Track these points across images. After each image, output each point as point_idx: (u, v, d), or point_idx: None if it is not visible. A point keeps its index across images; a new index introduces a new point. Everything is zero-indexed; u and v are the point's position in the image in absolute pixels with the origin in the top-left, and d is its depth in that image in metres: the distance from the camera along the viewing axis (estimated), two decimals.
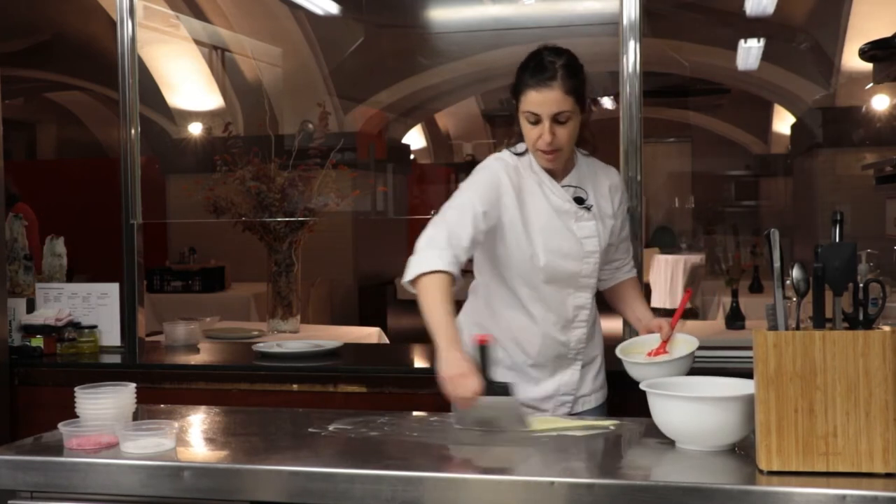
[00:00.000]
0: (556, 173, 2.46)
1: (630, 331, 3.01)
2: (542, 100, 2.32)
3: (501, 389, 2.17)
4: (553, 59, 2.34)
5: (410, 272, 2.24)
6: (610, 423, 2.20)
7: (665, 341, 2.48)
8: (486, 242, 2.41)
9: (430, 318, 2.19)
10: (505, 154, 2.48)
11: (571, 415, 2.50)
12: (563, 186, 2.45)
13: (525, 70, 2.37)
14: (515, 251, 2.41)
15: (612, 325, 2.78)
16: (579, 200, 2.45)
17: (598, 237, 2.46)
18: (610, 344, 2.67)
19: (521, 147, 2.46)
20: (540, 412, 2.46)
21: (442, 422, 2.28)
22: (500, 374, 2.46)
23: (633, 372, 2.43)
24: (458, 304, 2.45)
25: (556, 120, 2.33)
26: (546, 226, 2.41)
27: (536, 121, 2.35)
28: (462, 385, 2.10)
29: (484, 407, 2.13)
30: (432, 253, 2.24)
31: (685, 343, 2.48)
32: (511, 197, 2.39)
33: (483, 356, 2.18)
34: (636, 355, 2.48)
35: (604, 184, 2.52)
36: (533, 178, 2.44)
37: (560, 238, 2.42)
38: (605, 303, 2.69)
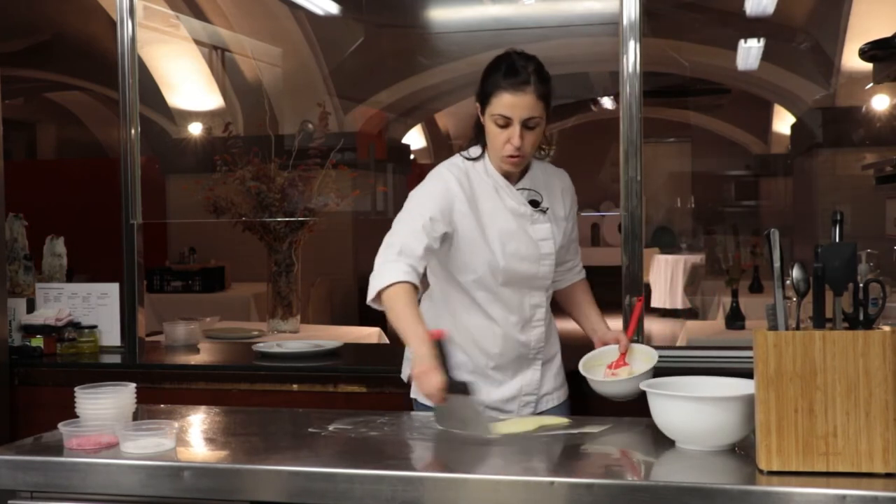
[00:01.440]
0: (511, 177, 2.46)
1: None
2: (515, 103, 2.32)
3: (461, 387, 2.18)
4: (525, 64, 2.34)
5: (371, 290, 2.29)
6: (567, 422, 2.24)
7: (624, 353, 2.49)
8: (441, 250, 2.40)
9: (398, 325, 2.24)
10: (457, 160, 2.48)
11: (535, 414, 2.50)
12: (518, 189, 2.46)
13: (496, 72, 2.35)
14: (473, 257, 2.41)
15: (570, 325, 2.77)
16: (534, 203, 2.47)
17: (552, 239, 2.47)
18: (567, 343, 2.70)
19: (474, 152, 2.46)
20: (504, 413, 2.46)
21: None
22: (462, 378, 2.45)
23: (596, 388, 2.46)
24: None
25: (526, 125, 2.33)
26: (503, 229, 2.42)
27: (506, 124, 2.34)
28: (426, 381, 2.13)
29: (449, 408, 2.17)
30: (389, 268, 2.28)
31: (645, 355, 2.49)
32: (464, 203, 2.39)
33: (440, 351, 2.19)
34: (597, 369, 2.49)
35: (556, 186, 2.54)
36: (488, 182, 2.44)
37: (517, 241, 2.43)
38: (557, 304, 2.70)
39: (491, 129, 2.37)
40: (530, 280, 2.46)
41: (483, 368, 2.49)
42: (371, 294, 2.29)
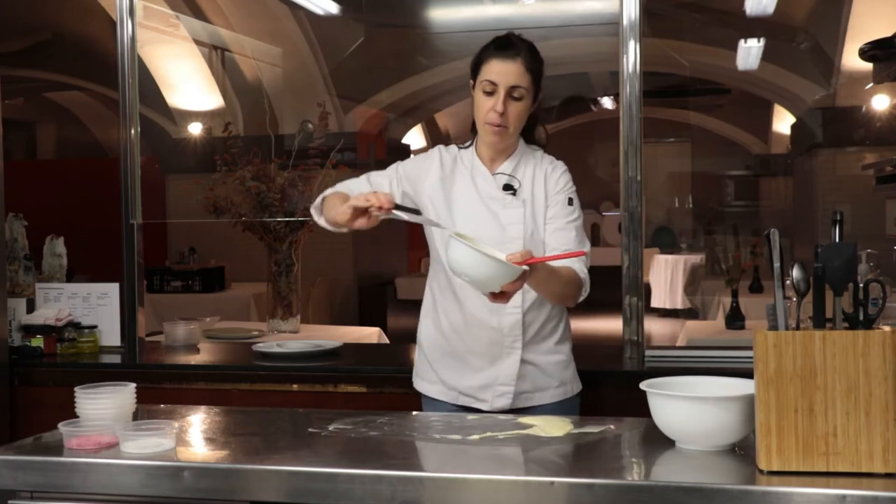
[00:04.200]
0: (494, 161, 2.53)
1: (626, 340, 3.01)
2: (503, 69, 2.40)
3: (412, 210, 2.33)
4: (518, 42, 2.45)
5: (314, 212, 2.56)
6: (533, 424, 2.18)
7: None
8: (428, 232, 2.56)
9: (335, 212, 2.39)
10: (452, 147, 2.62)
11: (514, 410, 2.48)
12: (496, 174, 2.53)
13: (489, 45, 2.47)
14: (437, 233, 2.52)
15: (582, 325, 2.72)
16: (507, 187, 2.51)
17: (523, 223, 2.49)
18: (579, 342, 2.66)
19: (468, 142, 2.59)
20: (479, 402, 2.50)
21: (442, 422, 2.28)
22: (442, 363, 2.57)
23: (452, 250, 2.14)
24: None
25: (511, 95, 2.41)
26: (470, 211, 2.50)
27: (492, 91, 2.42)
28: (375, 197, 2.25)
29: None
30: (328, 191, 2.54)
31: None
32: (437, 178, 2.53)
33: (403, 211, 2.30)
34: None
35: (541, 172, 2.56)
36: (466, 166, 2.55)
37: (481, 222, 2.48)
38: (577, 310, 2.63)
39: (478, 100, 2.47)
40: None
41: (461, 352, 2.53)
42: (315, 214, 2.56)
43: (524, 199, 2.51)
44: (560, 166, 2.60)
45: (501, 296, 2.19)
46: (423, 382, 2.63)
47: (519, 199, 2.51)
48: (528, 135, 2.59)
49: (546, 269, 2.29)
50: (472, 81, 2.51)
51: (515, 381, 2.51)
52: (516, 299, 2.47)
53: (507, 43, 2.45)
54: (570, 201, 2.55)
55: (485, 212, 2.50)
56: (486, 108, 2.44)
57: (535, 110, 2.52)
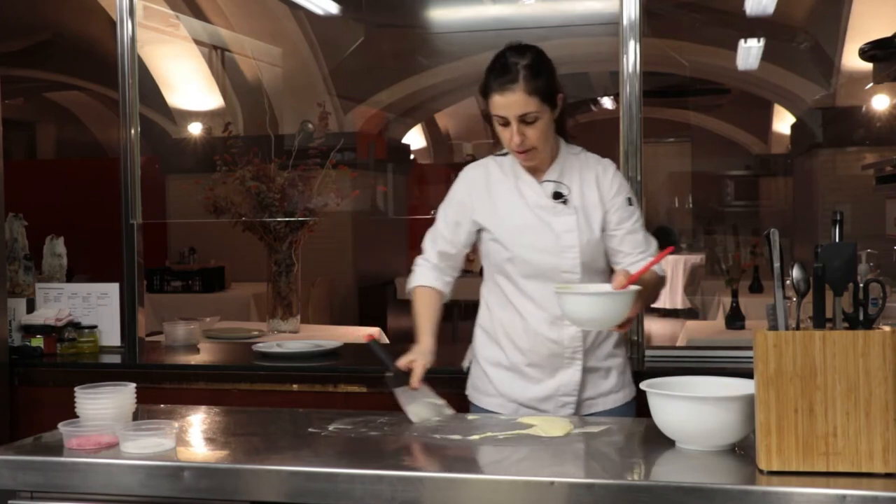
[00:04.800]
0: (538, 169, 2.48)
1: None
2: (505, 103, 2.33)
3: (403, 378, 2.39)
4: (516, 60, 2.33)
5: (407, 288, 2.62)
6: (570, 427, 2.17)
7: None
8: (477, 242, 2.57)
9: (416, 305, 2.57)
10: (484, 160, 2.57)
11: (575, 415, 2.46)
12: (543, 182, 2.47)
13: (490, 72, 2.38)
14: (492, 248, 2.49)
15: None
16: (558, 195, 2.46)
17: (577, 231, 2.44)
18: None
19: (504, 150, 2.50)
20: (541, 413, 2.44)
21: (441, 422, 2.28)
22: (500, 377, 2.52)
23: (564, 304, 2.19)
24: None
25: (523, 121, 2.34)
26: (519, 221, 2.45)
27: (505, 123, 2.36)
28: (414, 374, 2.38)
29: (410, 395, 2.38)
30: (416, 271, 2.60)
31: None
32: (483, 198, 2.50)
33: (377, 351, 2.44)
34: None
35: (590, 176, 2.49)
36: (510, 177, 2.50)
37: (533, 233, 2.44)
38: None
39: (497, 130, 2.42)
40: (554, 273, 2.43)
41: (517, 365, 2.49)
42: (407, 292, 2.62)
43: (575, 206, 2.45)
44: (609, 166, 2.54)
45: (626, 323, 2.23)
46: (481, 395, 2.57)
47: (570, 207, 2.45)
48: (563, 129, 2.51)
49: (644, 286, 2.27)
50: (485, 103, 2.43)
51: (578, 390, 2.48)
52: None
53: (503, 67, 2.34)
54: (630, 201, 2.51)
55: (536, 222, 2.44)
56: (507, 138, 2.38)
57: (562, 106, 2.42)
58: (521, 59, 2.34)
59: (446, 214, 2.57)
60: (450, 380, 2.66)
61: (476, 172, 2.55)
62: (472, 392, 2.61)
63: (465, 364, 2.69)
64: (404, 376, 2.36)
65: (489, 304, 2.56)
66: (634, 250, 2.50)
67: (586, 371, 2.48)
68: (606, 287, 2.22)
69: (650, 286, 2.39)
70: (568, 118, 2.52)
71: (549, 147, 2.45)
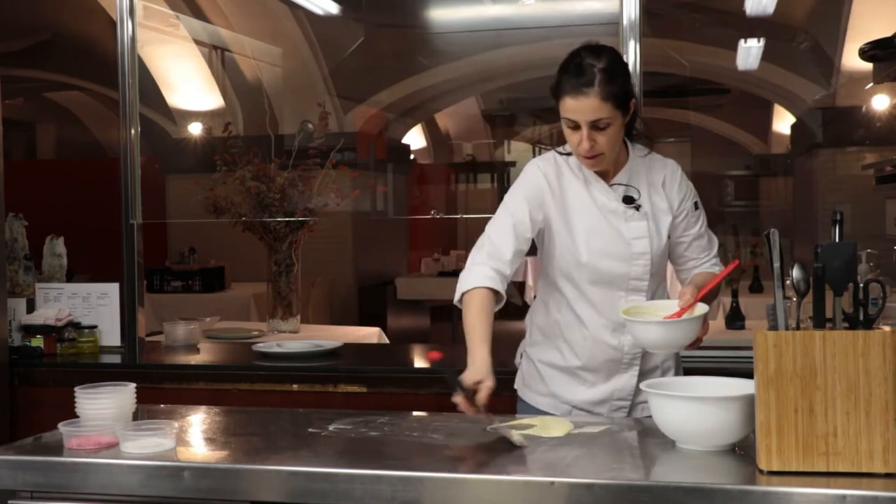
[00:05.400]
0: (606, 173, 2.40)
1: None
2: (578, 107, 2.25)
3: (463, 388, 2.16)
4: (592, 63, 2.25)
5: (456, 292, 2.33)
6: (599, 429, 2.17)
7: (683, 309, 2.22)
8: (540, 243, 2.43)
9: (465, 332, 2.26)
10: (550, 155, 2.45)
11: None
12: (612, 185, 2.40)
13: (564, 73, 2.29)
14: (559, 250, 2.39)
15: None
16: (628, 200, 2.39)
17: (648, 238, 2.38)
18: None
19: (568, 147, 2.41)
20: (593, 415, 2.42)
21: (442, 422, 2.28)
22: (554, 377, 2.47)
23: (633, 331, 2.24)
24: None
25: (595, 126, 2.26)
26: (590, 226, 2.37)
27: (575, 126, 2.28)
28: (480, 391, 2.14)
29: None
30: (474, 271, 2.32)
31: (698, 310, 2.24)
32: (553, 197, 2.38)
33: (447, 374, 2.19)
34: (646, 316, 2.26)
35: (657, 179, 2.44)
36: (578, 177, 2.40)
37: (605, 239, 2.37)
38: None
39: (566, 132, 2.33)
40: (622, 280, 2.38)
41: (572, 368, 2.44)
42: (457, 296, 2.33)
43: (645, 211, 2.39)
44: (675, 168, 2.48)
45: (696, 342, 2.22)
46: (533, 394, 2.52)
47: (641, 213, 2.38)
48: (630, 131, 2.44)
49: (709, 294, 2.27)
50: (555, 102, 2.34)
51: (633, 394, 2.45)
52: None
53: (578, 69, 2.24)
54: (696, 205, 2.47)
55: (607, 228, 2.37)
56: (575, 142, 2.30)
57: (634, 108, 2.36)
58: (597, 61, 2.25)
59: (519, 208, 2.36)
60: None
61: (548, 166, 2.41)
62: (524, 389, 2.55)
63: (517, 360, 2.62)
64: (471, 393, 2.15)
65: (547, 305, 2.47)
66: (700, 255, 2.50)
67: (642, 374, 2.43)
68: (673, 304, 2.24)
69: (713, 297, 2.38)
70: (637, 119, 2.44)
71: (616, 152, 2.37)
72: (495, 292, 2.29)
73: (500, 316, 2.38)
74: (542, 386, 2.49)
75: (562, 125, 2.32)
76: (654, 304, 2.33)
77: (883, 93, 6.88)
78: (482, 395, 2.12)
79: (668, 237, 2.43)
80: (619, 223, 2.38)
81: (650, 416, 2.26)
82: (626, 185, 2.40)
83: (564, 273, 2.40)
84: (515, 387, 2.57)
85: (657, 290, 2.45)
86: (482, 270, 2.30)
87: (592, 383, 2.44)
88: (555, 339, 2.46)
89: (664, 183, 2.44)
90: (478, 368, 2.16)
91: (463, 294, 2.30)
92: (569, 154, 2.41)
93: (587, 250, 2.36)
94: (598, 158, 2.32)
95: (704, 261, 2.51)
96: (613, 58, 2.29)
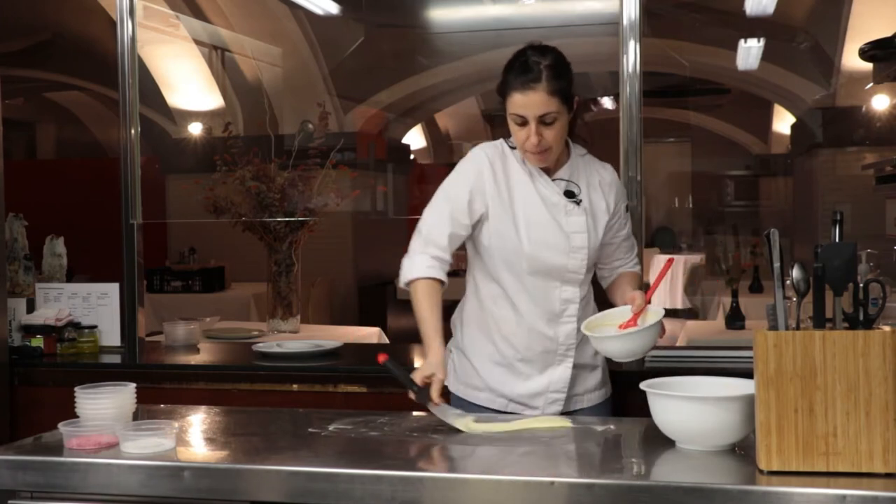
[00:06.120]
0: (548, 168, 2.47)
1: None
2: (526, 102, 2.32)
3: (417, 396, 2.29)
4: (538, 60, 2.33)
5: (401, 280, 2.44)
6: (569, 424, 2.22)
7: (637, 314, 2.35)
8: (473, 233, 2.46)
9: (418, 324, 2.39)
10: (498, 142, 2.51)
11: (565, 413, 2.47)
12: (554, 180, 2.46)
13: (510, 71, 2.36)
14: (499, 239, 2.43)
15: None
16: (570, 194, 2.45)
17: (587, 233, 2.45)
18: None
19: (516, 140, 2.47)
20: (530, 409, 2.46)
21: (442, 422, 2.28)
22: (489, 370, 2.51)
23: (600, 346, 2.36)
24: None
25: (542, 121, 2.33)
26: (532, 216, 2.42)
27: (523, 122, 2.35)
28: (432, 388, 2.28)
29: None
30: (415, 260, 2.42)
31: (654, 314, 2.35)
32: (497, 184, 2.43)
33: (394, 372, 2.33)
34: (604, 329, 2.37)
35: (597, 180, 2.51)
36: (524, 169, 2.46)
37: (546, 230, 2.42)
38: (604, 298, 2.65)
39: (512, 127, 2.39)
40: (559, 272, 2.43)
41: (510, 360, 2.48)
42: (400, 282, 2.44)
43: (584, 207, 2.46)
44: (612, 172, 2.57)
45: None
46: (469, 389, 2.54)
47: (581, 208, 2.45)
48: (572, 130, 2.50)
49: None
50: (502, 101, 2.41)
51: (568, 386, 2.49)
52: (572, 308, 2.46)
53: (525, 66, 2.33)
54: (627, 208, 2.58)
55: (550, 220, 2.43)
56: (522, 138, 2.36)
57: (578, 106, 2.43)
58: (543, 58, 2.33)
59: (458, 194, 2.43)
60: None
61: (494, 152, 2.47)
62: (458, 385, 2.57)
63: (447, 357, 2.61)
64: (426, 391, 2.27)
65: (481, 298, 2.51)
66: (626, 255, 2.62)
67: (575, 368, 2.50)
68: (626, 311, 2.38)
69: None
70: (578, 119, 2.51)
71: (562, 147, 2.45)
72: (435, 283, 2.39)
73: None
74: (479, 381, 2.52)
75: (508, 121, 2.39)
76: (607, 314, 2.44)
77: (883, 93, 6.88)
78: (434, 390, 2.25)
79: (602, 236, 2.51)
80: (559, 216, 2.44)
81: (587, 407, 2.48)
82: (567, 180, 2.47)
83: (505, 263, 2.44)
84: (448, 384, 2.53)
85: (586, 283, 2.52)
86: (421, 260, 2.41)
87: (528, 376, 2.48)
88: (490, 334, 2.50)
89: (603, 184, 2.52)
90: (430, 362, 2.29)
91: (407, 283, 2.42)
92: (515, 147, 2.47)
93: (528, 240, 2.41)
94: (545, 154, 2.38)
95: (628, 262, 2.63)
96: (558, 56, 2.38)
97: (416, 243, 2.44)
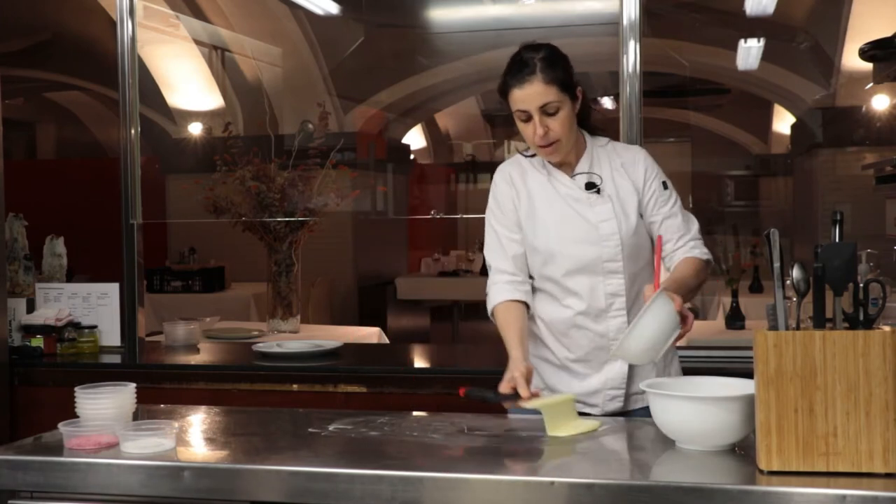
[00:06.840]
0: (567, 164, 2.47)
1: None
2: (524, 95, 2.34)
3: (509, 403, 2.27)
4: (532, 55, 2.36)
5: (488, 308, 2.49)
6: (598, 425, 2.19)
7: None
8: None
9: (503, 329, 2.42)
10: (514, 157, 2.55)
11: (625, 412, 2.46)
12: (574, 175, 2.47)
13: (507, 73, 2.39)
14: (532, 246, 2.46)
15: None
16: (590, 186, 2.45)
17: (615, 219, 2.43)
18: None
19: (530, 148, 2.49)
20: (589, 407, 2.46)
21: (442, 422, 2.28)
22: (548, 372, 2.51)
23: (618, 354, 2.23)
24: None
25: (545, 112, 2.34)
26: (556, 215, 2.44)
27: (527, 118, 2.36)
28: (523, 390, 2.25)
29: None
30: (493, 289, 2.49)
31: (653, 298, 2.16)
32: (520, 197, 2.48)
33: (477, 395, 2.30)
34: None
35: (619, 163, 2.49)
36: (542, 174, 2.48)
37: (572, 225, 2.43)
38: None
39: (519, 126, 2.41)
40: (596, 265, 2.42)
41: (564, 361, 2.48)
42: (489, 313, 2.49)
43: (609, 194, 2.45)
44: (638, 151, 2.55)
45: (685, 325, 2.20)
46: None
47: (604, 196, 2.44)
48: (587, 123, 2.51)
49: (675, 281, 2.33)
50: (507, 106, 2.43)
51: (626, 384, 2.46)
52: (619, 301, 2.43)
53: (520, 63, 2.36)
54: (665, 185, 2.51)
55: (573, 214, 2.43)
56: (529, 134, 2.38)
57: (583, 100, 2.43)
58: (536, 53, 2.36)
59: (503, 215, 2.50)
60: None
61: (512, 169, 2.52)
62: None
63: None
64: (515, 396, 2.24)
65: (535, 305, 2.52)
66: (674, 235, 2.51)
67: (633, 365, 2.45)
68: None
69: (690, 278, 2.41)
70: (590, 111, 2.51)
71: (573, 141, 2.44)
72: (515, 305, 2.43)
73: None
74: (539, 381, 2.52)
75: (516, 122, 2.40)
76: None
77: (883, 93, 6.88)
78: (520, 387, 2.22)
79: (642, 217, 2.48)
80: (584, 210, 2.44)
81: (645, 407, 2.27)
82: (587, 172, 2.47)
83: (544, 266, 2.46)
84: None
85: (639, 274, 2.47)
86: (495, 290, 2.47)
87: (585, 375, 2.47)
88: (543, 337, 2.52)
89: (626, 165, 2.50)
90: (508, 368, 2.30)
91: (491, 315, 2.48)
92: (532, 155, 2.50)
93: (557, 238, 2.42)
94: (555, 146, 2.39)
95: (681, 245, 2.52)
96: (552, 49, 2.40)
97: (491, 277, 2.50)
